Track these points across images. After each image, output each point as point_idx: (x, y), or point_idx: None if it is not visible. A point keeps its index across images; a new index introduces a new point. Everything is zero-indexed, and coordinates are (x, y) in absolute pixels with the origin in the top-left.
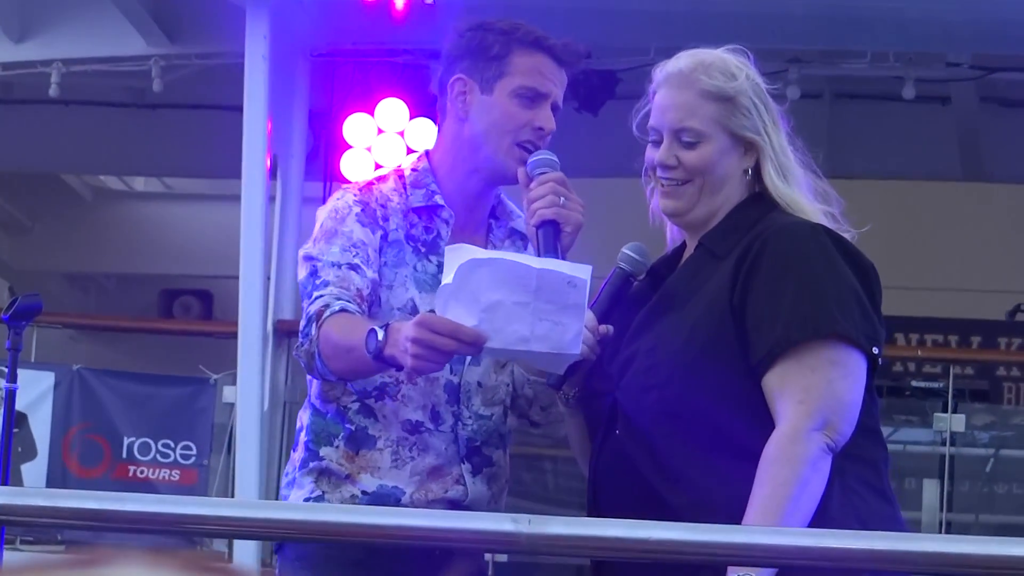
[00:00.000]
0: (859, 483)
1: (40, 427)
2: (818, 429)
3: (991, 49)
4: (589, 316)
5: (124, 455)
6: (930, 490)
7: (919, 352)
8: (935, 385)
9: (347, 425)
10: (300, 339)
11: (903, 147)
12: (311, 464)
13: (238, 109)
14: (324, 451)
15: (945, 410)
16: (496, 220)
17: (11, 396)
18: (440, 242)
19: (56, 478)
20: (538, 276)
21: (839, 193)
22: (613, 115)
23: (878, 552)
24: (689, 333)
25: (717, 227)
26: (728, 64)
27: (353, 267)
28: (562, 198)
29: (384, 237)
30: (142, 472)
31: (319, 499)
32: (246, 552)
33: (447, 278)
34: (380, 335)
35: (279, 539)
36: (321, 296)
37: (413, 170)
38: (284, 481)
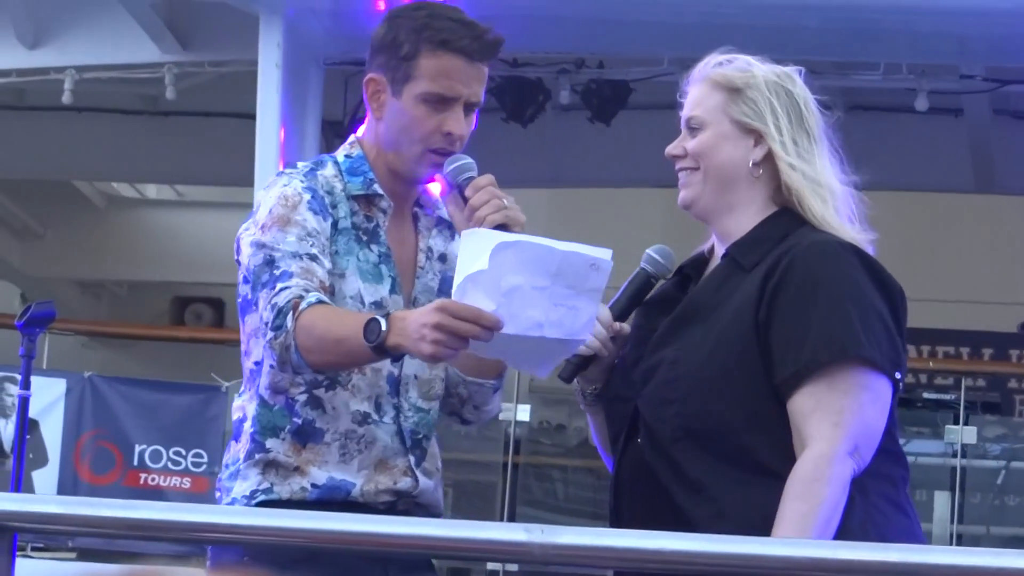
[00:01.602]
0: (880, 498)
1: (51, 434)
2: (851, 453)
3: (1004, 62)
4: (604, 313)
5: (135, 462)
6: (941, 502)
7: (931, 364)
8: (947, 397)
9: (295, 418)
10: (271, 332)
11: (915, 159)
12: (257, 456)
13: (251, 117)
14: (270, 443)
15: (956, 422)
16: (422, 208)
17: (24, 403)
18: (380, 231)
19: (67, 485)
20: (562, 259)
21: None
22: (625, 125)
23: (891, 564)
24: (712, 347)
25: (744, 239)
26: (748, 60)
27: (312, 257)
28: (504, 200)
29: (334, 225)
30: (153, 479)
31: (267, 491)
32: None
33: (473, 264)
34: (383, 325)
35: (289, 547)
36: (288, 287)
37: (347, 156)
38: (225, 473)
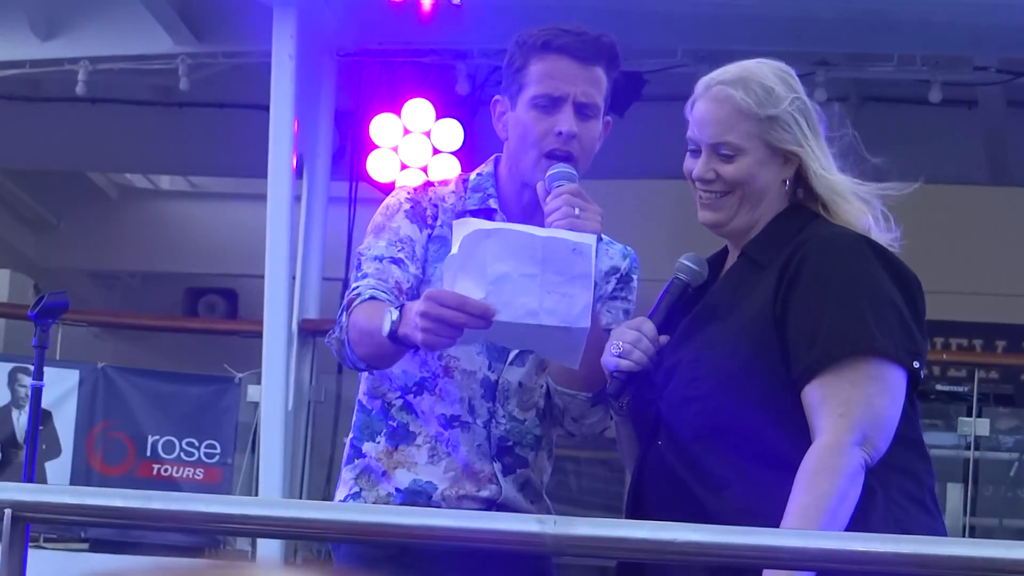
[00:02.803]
0: (901, 495)
1: (64, 425)
2: (858, 443)
3: (1018, 53)
4: (649, 327)
5: (148, 453)
6: (954, 494)
7: (944, 356)
8: (959, 389)
9: (390, 422)
10: (333, 327)
11: (929, 150)
12: (355, 461)
13: (264, 108)
14: (367, 447)
15: (969, 414)
16: None
17: (37, 393)
18: None
19: (80, 476)
20: (543, 245)
21: None
22: (640, 117)
23: (903, 556)
24: (732, 346)
25: (759, 236)
26: (768, 78)
27: (395, 261)
28: (577, 208)
29: (430, 235)
30: (166, 470)
31: (356, 496)
32: (270, 551)
33: (453, 249)
34: (395, 315)
35: (303, 538)
36: (357, 287)
37: (478, 175)
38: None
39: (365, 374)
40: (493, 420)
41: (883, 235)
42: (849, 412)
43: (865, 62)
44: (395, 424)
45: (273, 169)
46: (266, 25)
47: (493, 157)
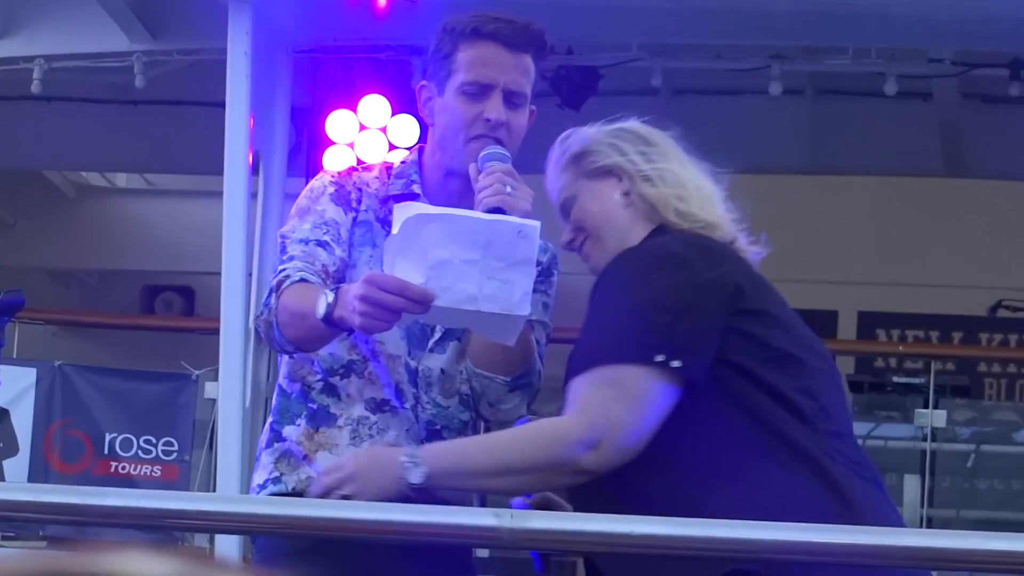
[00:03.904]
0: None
1: (22, 423)
2: (586, 445)
3: (973, 45)
4: None
5: (106, 451)
6: (911, 486)
7: (900, 348)
8: (916, 381)
9: (310, 404)
10: (261, 309)
11: (885, 143)
12: (274, 445)
13: (220, 105)
14: (287, 430)
15: (926, 406)
16: None
17: None
18: None
19: (38, 474)
20: (488, 228)
21: (820, 190)
22: (595, 111)
23: (860, 547)
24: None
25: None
26: (572, 132)
27: (321, 244)
28: (508, 187)
29: (355, 219)
30: (124, 468)
31: (276, 480)
32: (227, 547)
33: (394, 231)
34: (330, 298)
35: (260, 534)
36: (284, 269)
37: (402, 162)
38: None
39: (286, 357)
40: (419, 405)
41: (728, 226)
42: (583, 410)
43: (820, 55)
44: (315, 407)
45: (229, 166)
46: (221, 22)
47: (417, 146)
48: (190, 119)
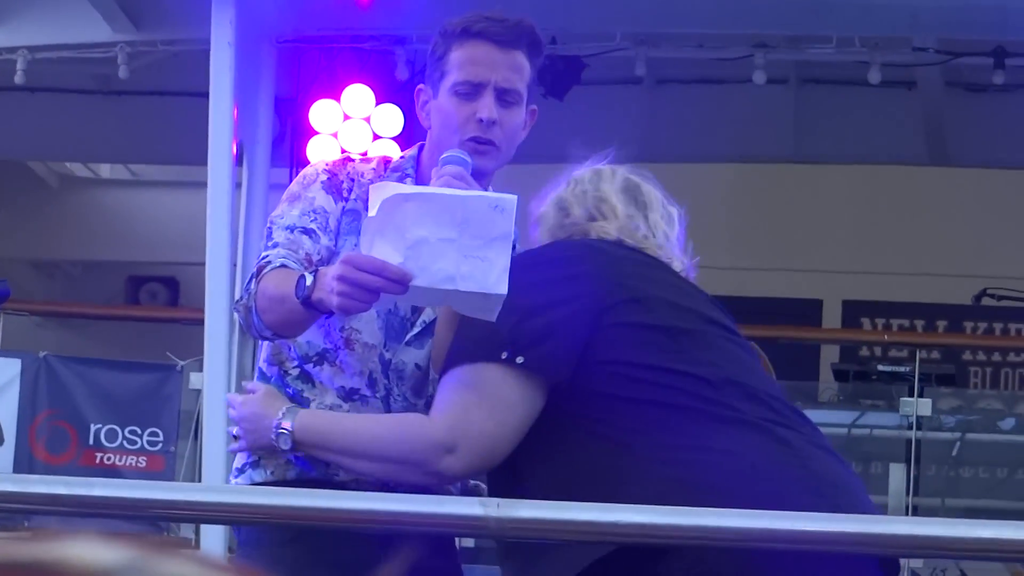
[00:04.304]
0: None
1: (7, 414)
2: (443, 448)
3: (957, 34)
4: None
5: (91, 442)
6: (896, 474)
7: (885, 336)
8: (901, 369)
9: (287, 388)
10: (241, 294)
11: (869, 132)
12: None
13: (204, 96)
14: None
15: (911, 394)
16: None
17: None
18: None
19: (23, 465)
20: (464, 204)
21: (805, 179)
22: (579, 100)
23: (847, 535)
24: None
25: None
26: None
27: (307, 231)
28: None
29: (344, 208)
30: (109, 459)
31: (255, 465)
32: (213, 537)
33: (371, 212)
34: (308, 280)
35: (245, 523)
36: (267, 255)
37: (401, 157)
38: None
39: (267, 342)
40: (391, 396)
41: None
42: (447, 415)
43: (804, 44)
44: (291, 391)
45: (213, 157)
46: (205, 12)
47: (418, 144)
48: (174, 110)
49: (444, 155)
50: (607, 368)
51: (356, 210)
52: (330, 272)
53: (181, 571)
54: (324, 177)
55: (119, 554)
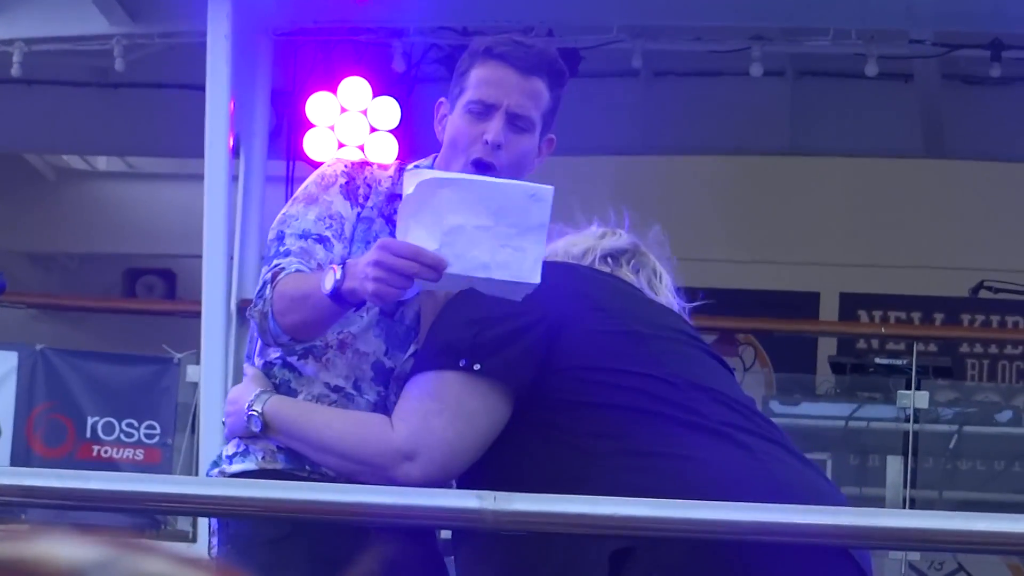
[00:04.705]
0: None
1: (4, 407)
2: (402, 456)
3: (954, 26)
4: None
5: (88, 435)
6: (894, 467)
7: (882, 329)
8: (898, 362)
9: (272, 379)
10: (254, 301)
11: (865, 124)
12: None
13: (201, 88)
14: None
15: (908, 387)
16: None
17: None
18: None
19: (20, 458)
20: (501, 192)
21: (801, 171)
22: (576, 93)
23: (843, 528)
24: None
25: None
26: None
27: (321, 239)
28: None
29: (359, 215)
30: (106, 452)
31: (244, 452)
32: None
33: (407, 193)
34: (338, 273)
35: (241, 517)
36: (279, 263)
37: (415, 165)
38: None
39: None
40: (386, 402)
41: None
42: (408, 422)
43: (801, 36)
44: (277, 381)
45: (210, 149)
46: (201, 5)
47: (432, 155)
48: (170, 102)
49: (408, 168)
50: (570, 374)
51: (371, 218)
52: (364, 259)
53: (155, 568)
54: (343, 180)
55: (93, 552)
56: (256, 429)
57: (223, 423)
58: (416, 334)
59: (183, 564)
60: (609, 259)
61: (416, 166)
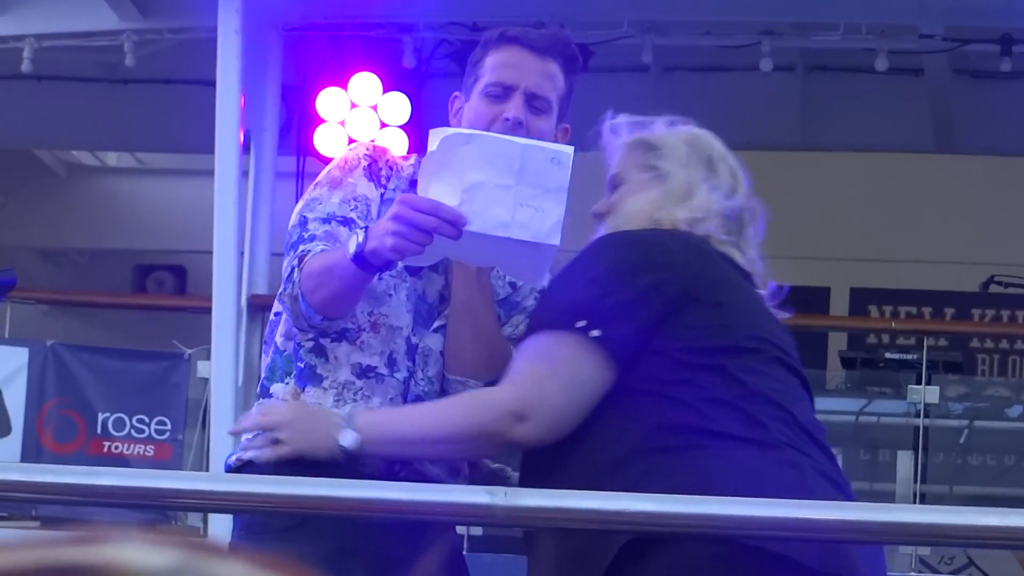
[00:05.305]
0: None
1: (14, 403)
2: (514, 416)
3: (964, 21)
4: None
5: (99, 430)
6: (904, 462)
7: (893, 324)
8: (909, 357)
9: (298, 362)
10: (283, 285)
11: (876, 119)
12: (261, 401)
13: (211, 84)
14: (275, 388)
15: (919, 382)
16: None
17: None
18: None
19: (31, 454)
20: (522, 152)
21: (812, 166)
22: (586, 88)
23: (853, 523)
24: None
25: None
26: (650, 121)
27: (346, 221)
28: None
29: (382, 196)
30: (116, 447)
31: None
32: (221, 526)
33: (431, 149)
34: (360, 237)
35: (253, 512)
36: (305, 248)
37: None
38: None
39: (284, 316)
40: (412, 379)
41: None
42: (519, 384)
43: (811, 31)
44: (303, 365)
45: (220, 145)
46: (211, 0)
47: None
48: (180, 98)
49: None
50: (660, 357)
51: (392, 200)
52: (384, 216)
53: (231, 573)
54: (366, 163)
55: (168, 557)
56: (349, 444)
57: (274, 442)
58: (439, 313)
59: (259, 567)
60: (726, 231)
61: None
